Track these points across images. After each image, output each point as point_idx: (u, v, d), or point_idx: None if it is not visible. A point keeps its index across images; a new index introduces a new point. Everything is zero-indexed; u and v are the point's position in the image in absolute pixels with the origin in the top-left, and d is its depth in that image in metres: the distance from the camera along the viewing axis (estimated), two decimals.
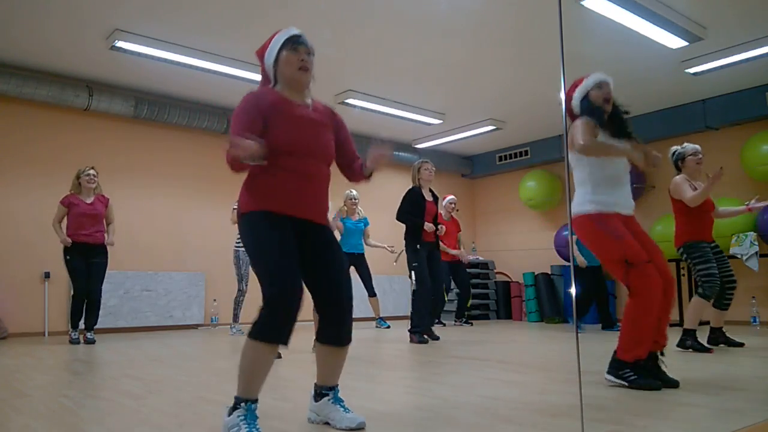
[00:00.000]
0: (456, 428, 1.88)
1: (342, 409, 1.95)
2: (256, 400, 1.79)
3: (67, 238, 5.10)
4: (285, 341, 1.77)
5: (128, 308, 6.35)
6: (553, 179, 8.63)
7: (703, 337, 4.26)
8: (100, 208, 5.31)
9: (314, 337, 1.99)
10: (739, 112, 6.73)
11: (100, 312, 5.42)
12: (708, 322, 4.41)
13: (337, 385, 2.01)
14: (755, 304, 6.41)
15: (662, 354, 2.70)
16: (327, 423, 1.96)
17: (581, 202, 2.79)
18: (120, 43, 5.19)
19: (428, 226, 5.09)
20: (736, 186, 6.72)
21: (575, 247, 6.20)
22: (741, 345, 4.27)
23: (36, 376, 3.16)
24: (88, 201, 5.27)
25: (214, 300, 6.92)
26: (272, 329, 1.76)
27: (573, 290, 4.84)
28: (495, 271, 8.99)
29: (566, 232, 8.11)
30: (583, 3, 4.48)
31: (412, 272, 5.03)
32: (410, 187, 5.27)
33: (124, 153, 6.60)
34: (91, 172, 5.32)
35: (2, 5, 4.62)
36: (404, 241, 5.19)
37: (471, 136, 8.31)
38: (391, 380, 2.99)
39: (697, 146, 4.26)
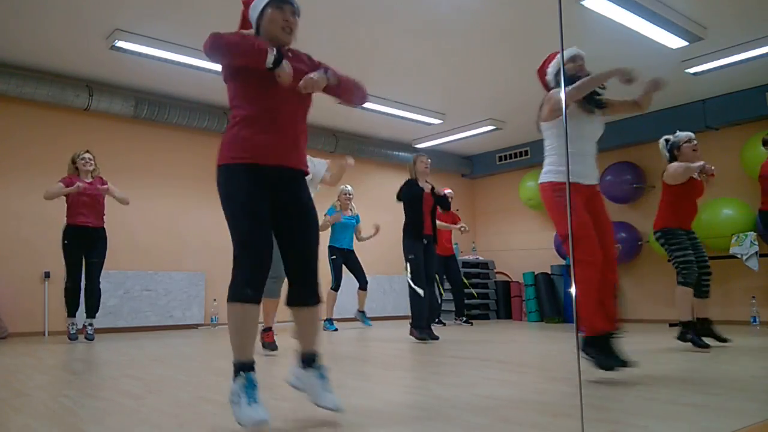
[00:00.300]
0: (456, 428, 1.88)
1: (326, 387, 2.00)
2: (252, 367, 1.87)
3: (78, 184, 5.07)
4: (255, 299, 1.87)
5: (128, 308, 6.35)
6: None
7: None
8: (97, 190, 5.25)
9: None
10: (739, 112, 6.73)
11: (100, 312, 5.43)
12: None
13: (320, 357, 2.05)
14: (755, 304, 6.41)
15: (616, 335, 2.77)
16: (306, 394, 2.02)
17: (546, 171, 2.92)
18: (120, 43, 5.19)
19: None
20: (736, 186, 6.73)
21: None
22: (726, 340, 4.20)
23: (36, 376, 3.16)
24: (86, 181, 5.23)
25: (214, 300, 6.92)
26: (245, 288, 1.86)
27: (573, 290, 4.85)
28: (495, 271, 9.00)
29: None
30: (583, 3, 4.48)
31: (408, 264, 5.06)
32: (407, 179, 5.29)
33: (124, 153, 6.60)
34: (86, 155, 5.28)
35: (2, 5, 4.62)
36: (402, 233, 5.20)
37: (471, 136, 8.32)
38: (391, 380, 2.99)
39: (691, 133, 4.25)
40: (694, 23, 5.01)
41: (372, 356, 4.10)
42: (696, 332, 4.08)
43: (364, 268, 6.78)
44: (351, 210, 6.74)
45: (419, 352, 4.23)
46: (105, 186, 5.28)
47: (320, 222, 6.68)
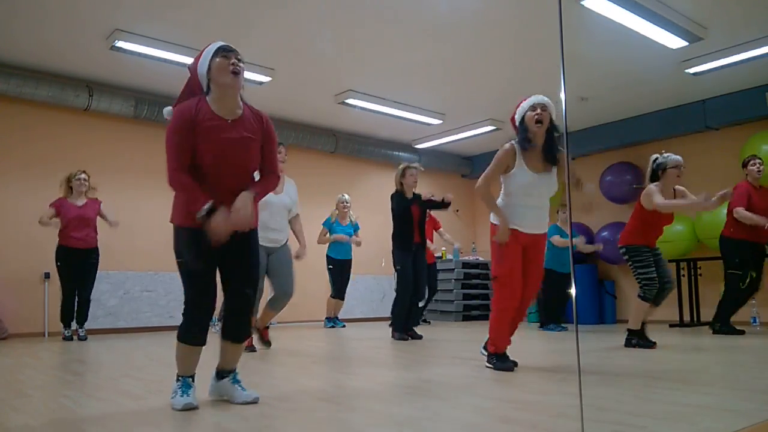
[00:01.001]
0: (456, 428, 1.88)
1: (240, 388, 2.32)
2: (191, 376, 2.31)
3: (51, 211, 5.21)
4: (201, 343, 2.30)
5: (128, 308, 6.35)
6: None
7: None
8: (90, 213, 5.34)
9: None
10: (739, 112, 6.73)
11: (101, 312, 5.54)
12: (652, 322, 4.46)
13: (236, 368, 2.39)
14: (755, 305, 6.40)
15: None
16: (227, 400, 2.33)
17: (493, 214, 3.27)
18: (120, 43, 5.19)
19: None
20: None
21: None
22: (653, 344, 4.25)
23: (36, 376, 3.16)
24: (79, 204, 5.30)
25: None
26: (190, 335, 2.30)
27: (573, 290, 4.86)
28: None
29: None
30: (583, 3, 4.48)
31: (396, 274, 5.32)
32: (393, 191, 5.35)
33: (124, 153, 6.60)
34: (83, 176, 5.37)
35: (2, 5, 4.62)
36: (392, 242, 5.32)
37: (471, 137, 8.31)
38: (390, 380, 2.99)
39: (679, 158, 4.24)
40: (694, 23, 5.01)
41: (371, 357, 4.10)
42: (642, 337, 4.26)
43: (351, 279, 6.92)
44: (350, 219, 6.76)
45: (419, 353, 4.23)
46: (95, 216, 5.42)
47: (318, 234, 6.74)
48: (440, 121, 7.70)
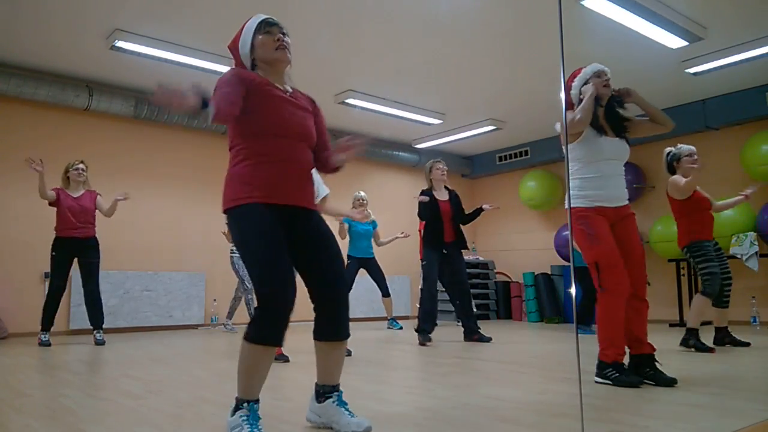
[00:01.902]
0: (456, 428, 1.88)
1: (347, 412, 1.89)
2: (257, 401, 1.79)
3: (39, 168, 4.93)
4: (279, 342, 1.77)
5: (128, 308, 6.35)
6: (553, 179, 8.64)
7: (708, 338, 4.27)
8: (87, 203, 5.21)
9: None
10: (739, 112, 6.73)
11: None
12: (711, 323, 4.42)
13: (339, 385, 1.96)
14: (755, 304, 6.41)
15: (654, 358, 2.76)
16: (329, 427, 1.90)
17: (571, 197, 2.84)
18: (120, 43, 5.19)
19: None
20: (737, 186, 6.69)
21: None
22: (747, 344, 4.27)
23: (36, 376, 3.16)
24: (75, 195, 5.21)
25: (214, 300, 6.92)
26: (267, 331, 1.75)
27: (573, 290, 4.85)
28: (495, 271, 8.99)
29: (566, 232, 8.11)
30: (583, 3, 4.47)
31: (422, 270, 5.06)
32: (423, 189, 5.27)
33: (124, 153, 6.60)
34: (81, 166, 5.26)
35: (2, 5, 4.62)
36: (420, 240, 5.20)
37: (471, 136, 8.31)
38: (393, 380, 2.99)
39: (692, 147, 4.27)
40: (694, 23, 5.01)
41: (375, 357, 4.10)
42: (698, 338, 4.11)
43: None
44: (367, 216, 6.61)
45: (421, 353, 4.24)
46: (93, 207, 5.25)
47: (338, 230, 6.52)
48: (440, 121, 7.70)
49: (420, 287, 5.08)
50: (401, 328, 6.85)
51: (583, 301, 5.93)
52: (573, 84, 2.98)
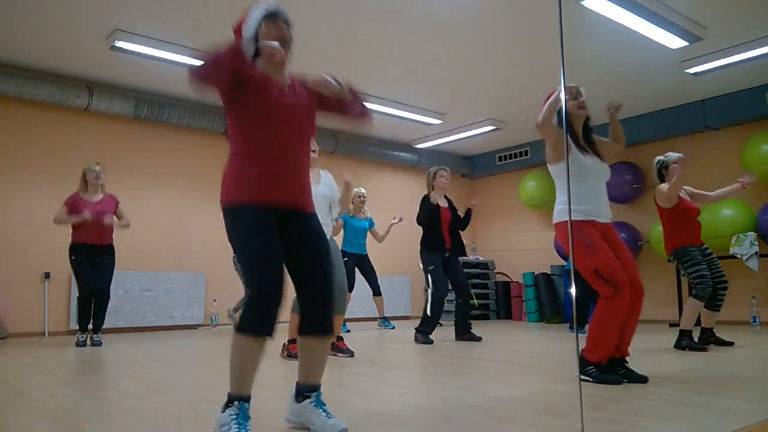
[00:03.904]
0: (456, 428, 1.88)
1: (324, 414, 1.88)
2: (248, 399, 1.80)
3: (86, 215, 4.85)
4: (269, 333, 1.79)
5: (128, 308, 6.35)
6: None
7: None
8: (106, 207, 5.05)
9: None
10: (739, 112, 6.73)
11: None
12: (699, 323, 4.44)
13: (320, 386, 1.96)
14: (755, 304, 6.41)
15: (626, 361, 2.86)
16: (306, 428, 1.90)
17: (561, 210, 2.94)
18: (120, 43, 5.19)
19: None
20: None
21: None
22: (731, 344, 4.32)
23: (36, 376, 3.16)
24: (94, 200, 5.05)
25: (214, 300, 6.92)
26: (256, 323, 1.78)
27: (573, 290, 4.85)
28: (495, 271, 9.00)
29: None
30: (583, 3, 4.47)
31: (428, 275, 5.05)
32: (424, 195, 5.27)
33: (124, 153, 6.59)
34: (97, 168, 5.09)
35: (2, 5, 4.62)
36: (420, 246, 5.20)
37: (471, 136, 8.31)
38: (393, 380, 2.99)
39: (680, 154, 4.30)
40: (694, 23, 5.01)
41: (375, 357, 4.10)
42: (692, 338, 4.17)
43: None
44: (364, 213, 6.66)
45: (421, 353, 4.24)
46: (112, 213, 5.10)
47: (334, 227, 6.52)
48: (440, 121, 7.70)
49: (430, 292, 5.05)
50: (393, 327, 6.87)
51: (577, 303, 5.95)
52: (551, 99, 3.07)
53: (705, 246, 4.32)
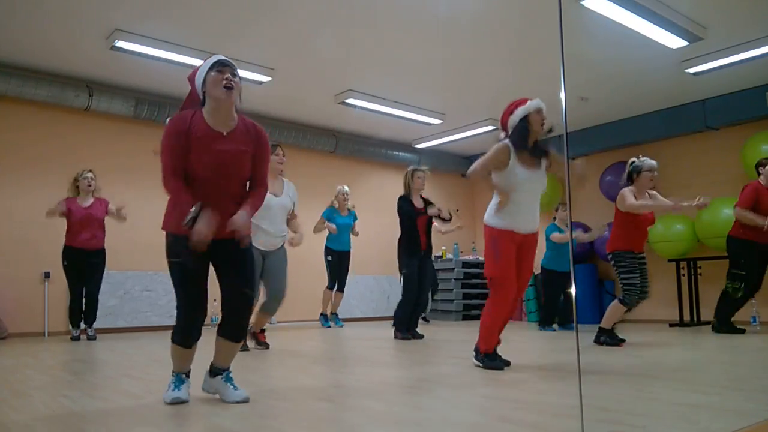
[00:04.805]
0: (456, 428, 1.88)
1: (232, 386, 2.37)
2: (186, 372, 2.42)
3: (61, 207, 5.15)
4: (188, 345, 2.39)
5: (128, 308, 6.35)
6: (553, 180, 8.59)
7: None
8: (97, 212, 5.30)
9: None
10: (739, 112, 6.73)
11: (100, 312, 5.50)
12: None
13: (229, 368, 2.44)
14: (755, 304, 6.39)
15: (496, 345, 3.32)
16: (221, 400, 2.36)
17: (487, 215, 3.30)
18: (120, 43, 5.19)
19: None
20: (737, 186, 6.70)
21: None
22: (623, 341, 4.39)
23: (36, 376, 3.16)
24: (85, 205, 5.27)
25: (214, 300, 6.88)
26: (183, 340, 2.39)
27: (573, 290, 4.86)
28: None
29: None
30: (583, 3, 4.48)
31: (402, 277, 5.29)
32: (401, 195, 5.31)
33: (124, 153, 6.59)
34: (89, 175, 5.33)
35: (2, 5, 4.62)
36: (398, 247, 5.32)
37: (471, 136, 8.31)
38: (391, 380, 2.99)
39: (654, 163, 4.40)
40: (694, 23, 5.01)
41: (372, 357, 4.10)
42: (609, 335, 4.36)
43: (350, 270, 6.88)
44: (348, 210, 6.75)
45: (419, 353, 4.24)
46: (103, 216, 5.38)
47: (316, 223, 6.70)
48: (440, 121, 7.70)
49: (401, 293, 5.30)
50: (342, 326, 6.99)
51: (546, 305, 6.52)
52: (515, 111, 3.29)
53: (642, 254, 4.42)
